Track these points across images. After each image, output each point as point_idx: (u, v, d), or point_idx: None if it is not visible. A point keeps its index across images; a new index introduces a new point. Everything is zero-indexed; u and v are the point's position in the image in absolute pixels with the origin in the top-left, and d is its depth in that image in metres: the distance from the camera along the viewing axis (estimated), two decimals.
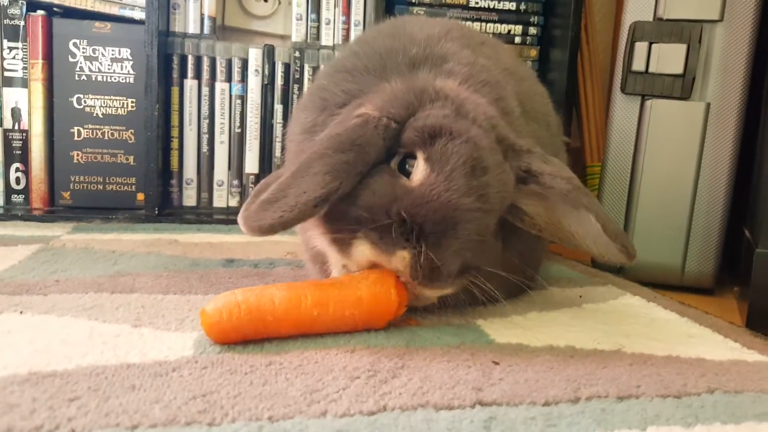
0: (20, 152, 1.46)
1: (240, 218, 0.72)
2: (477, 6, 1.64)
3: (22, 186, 1.47)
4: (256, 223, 0.70)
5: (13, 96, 1.43)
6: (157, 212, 1.44)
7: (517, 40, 1.68)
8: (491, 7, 1.65)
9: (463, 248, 0.70)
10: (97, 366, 0.63)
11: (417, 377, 0.63)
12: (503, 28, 1.66)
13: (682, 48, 1.12)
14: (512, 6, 1.65)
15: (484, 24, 1.65)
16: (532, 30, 1.68)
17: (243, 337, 0.71)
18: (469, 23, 1.64)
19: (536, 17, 1.68)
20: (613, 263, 0.78)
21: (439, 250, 0.69)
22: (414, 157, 0.74)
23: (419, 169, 0.74)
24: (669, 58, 1.13)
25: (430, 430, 0.52)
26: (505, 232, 0.85)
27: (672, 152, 1.14)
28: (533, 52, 1.69)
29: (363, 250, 0.73)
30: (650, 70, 1.15)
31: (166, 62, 1.48)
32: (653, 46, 1.14)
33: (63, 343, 0.68)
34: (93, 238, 1.25)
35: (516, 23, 1.67)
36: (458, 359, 0.69)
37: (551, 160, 0.82)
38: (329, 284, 0.75)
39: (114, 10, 1.44)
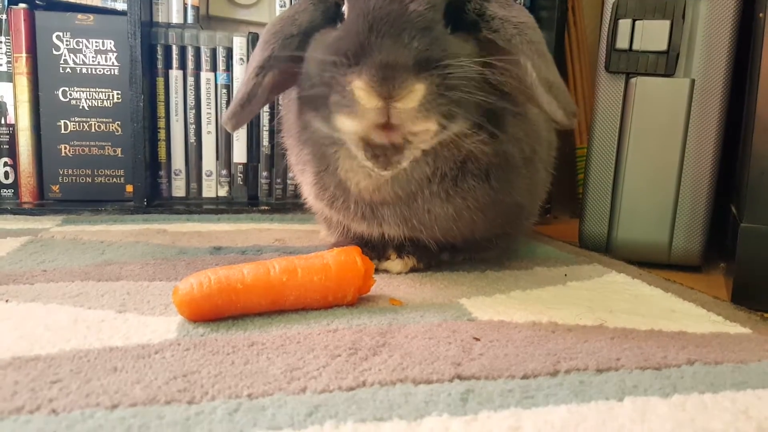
0: (8, 147, 1.45)
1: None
2: None
3: (11, 180, 1.47)
4: (224, 116, 0.84)
5: None
6: (146, 203, 1.44)
7: None
8: None
9: (409, 42, 0.68)
10: (80, 350, 0.63)
11: (397, 354, 0.63)
12: None
13: (665, 24, 1.12)
14: None
15: None
16: None
17: (215, 308, 0.71)
18: None
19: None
20: (558, 123, 0.76)
21: (382, 52, 0.67)
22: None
23: (345, 9, 0.76)
24: (653, 35, 1.13)
25: (407, 404, 0.53)
26: (504, 171, 0.86)
27: (657, 129, 1.14)
28: None
29: (337, 119, 0.74)
30: (634, 47, 1.14)
31: (150, 53, 1.47)
32: (636, 23, 1.14)
33: (47, 329, 0.69)
34: (82, 229, 1.25)
35: None
36: (439, 336, 0.69)
37: (512, 5, 0.81)
38: (297, 257, 0.78)
39: (96, 2, 1.43)
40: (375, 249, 0.99)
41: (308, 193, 0.96)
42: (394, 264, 0.98)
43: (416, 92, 0.68)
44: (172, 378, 0.56)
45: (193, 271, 0.95)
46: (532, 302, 0.83)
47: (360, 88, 0.68)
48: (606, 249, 1.21)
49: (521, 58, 0.75)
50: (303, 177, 0.96)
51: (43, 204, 1.46)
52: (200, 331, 0.70)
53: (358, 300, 0.81)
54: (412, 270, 0.98)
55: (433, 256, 1.00)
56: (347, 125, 0.73)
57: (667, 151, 1.14)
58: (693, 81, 1.12)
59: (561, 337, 0.70)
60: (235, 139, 1.55)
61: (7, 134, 1.45)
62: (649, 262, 1.17)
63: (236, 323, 0.72)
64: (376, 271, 0.98)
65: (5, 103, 1.43)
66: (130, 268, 0.96)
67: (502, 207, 0.91)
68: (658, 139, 1.14)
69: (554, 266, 1.04)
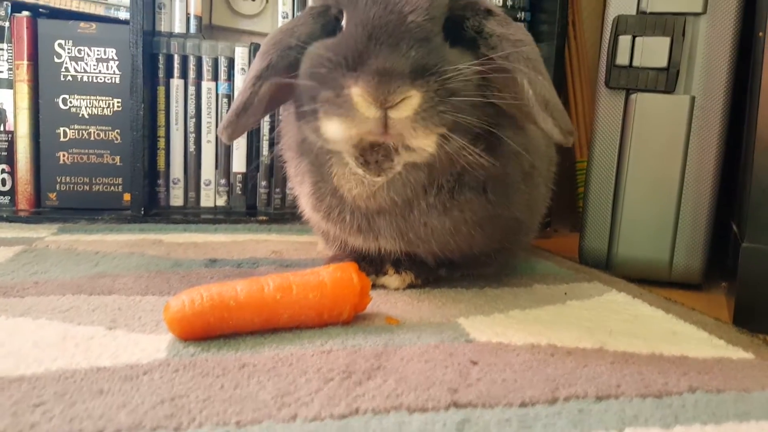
0: (6, 153, 1.44)
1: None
2: None
3: (8, 187, 1.46)
4: (220, 126, 0.83)
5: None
6: (143, 212, 1.43)
7: None
8: None
9: (406, 51, 0.68)
10: (67, 370, 0.62)
11: (392, 378, 0.62)
12: None
13: (665, 41, 1.11)
14: (498, 1, 1.64)
15: None
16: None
17: (207, 326, 0.70)
18: None
19: (523, 13, 1.67)
20: (556, 141, 0.76)
21: (379, 58, 0.67)
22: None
23: (344, 19, 0.76)
24: (653, 52, 1.12)
25: None
26: (502, 186, 0.86)
27: (657, 146, 1.13)
28: None
29: (326, 123, 0.73)
30: (634, 63, 1.13)
31: (151, 62, 1.47)
32: (637, 39, 1.13)
33: (34, 346, 0.67)
34: (77, 239, 1.24)
35: None
36: (436, 359, 0.68)
37: (511, 23, 0.80)
38: (292, 273, 0.77)
39: (99, 11, 1.42)
40: (373, 264, 0.98)
41: (305, 204, 0.95)
42: (392, 280, 0.96)
43: (412, 99, 0.68)
44: (159, 402, 0.55)
45: (187, 284, 0.95)
46: (531, 323, 0.82)
47: (357, 94, 0.68)
48: (606, 266, 1.19)
49: (518, 75, 0.75)
50: (301, 188, 0.95)
51: (40, 212, 1.45)
52: (191, 350, 0.68)
53: (354, 318, 0.79)
54: (410, 286, 0.97)
55: (431, 271, 0.99)
56: (343, 130, 0.73)
57: (667, 168, 1.13)
58: (693, 98, 1.11)
59: (560, 361, 0.68)
60: (234, 148, 1.54)
61: (5, 141, 1.44)
62: (650, 280, 1.16)
63: (228, 342, 0.71)
64: (374, 286, 0.96)
65: (5, 110, 1.43)
66: (124, 281, 0.95)
67: (500, 222, 0.90)
68: (658, 156, 1.13)
69: (554, 284, 1.03)
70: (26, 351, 0.66)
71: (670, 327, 0.82)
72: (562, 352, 0.71)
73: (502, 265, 1.06)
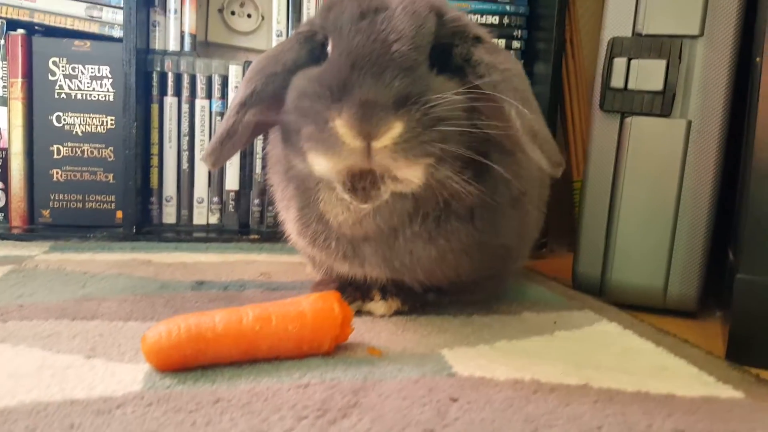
0: (0, 170, 1.44)
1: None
2: None
3: (1, 204, 1.45)
4: (204, 153, 0.82)
5: None
6: (135, 230, 1.42)
7: None
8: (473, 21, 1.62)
9: (390, 81, 0.67)
10: (40, 402, 0.61)
11: (368, 417, 0.61)
12: None
13: (661, 64, 1.10)
14: (495, 20, 1.63)
15: None
16: (516, 44, 1.66)
17: (184, 358, 0.69)
18: None
19: (519, 31, 1.66)
20: (546, 171, 0.75)
21: (362, 89, 0.66)
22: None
23: (329, 46, 0.75)
24: (648, 75, 1.10)
25: None
26: (490, 213, 0.84)
27: (653, 170, 1.11)
28: None
29: (312, 157, 0.73)
30: (629, 86, 1.12)
31: (145, 80, 1.47)
32: (632, 62, 1.12)
33: (10, 377, 0.67)
34: (67, 258, 1.24)
35: (498, 37, 1.65)
36: (415, 395, 0.66)
37: (500, 51, 0.79)
38: (271, 303, 0.76)
39: (94, 29, 1.42)
40: (359, 289, 0.96)
41: (292, 230, 0.94)
42: (378, 306, 0.95)
43: (393, 129, 0.67)
44: None
45: (171, 309, 0.94)
46: (516, 355, 0.80)
47: (341, 125, 0.67)
48: (600, 291, 1.17)
49: (506, 105, 0.74)
50: (287, 214, 0.94)
51: (33, 229, 1.45)
52: (166, 382, 0.67)
53: (335, 348, 0.78)
54: (396, 312, 0.95)
55: (418, 298, 0.97)
56: (328, 162, 0.72)
57: (662, 193, 1.11)
58: (690, 122, 1.09)
59: (542, 399, 0.67)
60: (227, 166, 1.53)
61: (0, 158, 1.44)
62: (644, 306, 1.14)
63: (205, 374, 0.70)
64: (360, 312, 0.95)
65: None
66: (108, 304, 0.94)
67: (488, 249, 0.89)
68: (653, 181, 1.12)
69: (544, 311, 1.01)
70: (1, 382, 0.65)
71: (659, 361, 0.80)
72: (546, 389, 0.69)
73: (492, 291, 1.04)
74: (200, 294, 1.02)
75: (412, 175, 0.72)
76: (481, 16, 1.64)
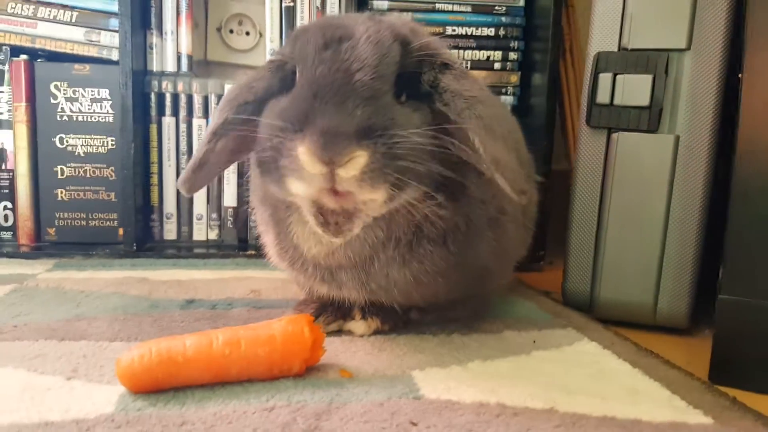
0: (7, 191, 1.49)
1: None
2: (454, 34, 1.62)
3: (10, 223, 1.50)
4: (179, 180, 0.85)
5: (0, 137, 1.48)
6: (136, 247, 1.46)
7: (497, 66, 1.66)
8: (468, 33, 1.63)
9: (352, 110, 0.68)
10: (17, 424, 0.64)
11: None
12: (482, 54, 1.64)
13: (647, 79, 1.09)
14: (491, 32, 1.63)
15: (461, 51, 1.63)
16: (513, 55, 1.66)
17: (155, 382, 0.71)
18: None
19: (516, 42, 1.66)
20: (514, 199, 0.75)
21: (324, 118, 0.67)
22: None
23: (297, 75, 0.76)
24: (634, 90, 1.10)
25: None
26: (465, 235, 0.85)
27: (641, 187, 1.10)
28: (513, 78, 1.67)
29: (283, 184, 0.74)
30: (615, 102, 1.11)
31: (143, 100, 1.50)
32: (618, 77, 1.11)
33: None
34: (68, 276, 1.27)
35: (495, 49, 1.65)
36: (377, 419, 0.67)
37: (466, 78, 0.80)
38: (243, 327, 0.77)
39: (93, 52, 1.47)
40: (341, 309, 0.97)
41: (272, 253, 0.96)
42: (358, 326, 0.96)
43: (358, 159, 0.68)
44: None
45: (157, 329, 0.96)
46: (487, 377, 0.80)
47: (303, 153, 0.68)
48: (589, 307, 1.17)
49: (470, 133, 0.74)
50: (266, 237, 0.96)
51: (40, 247, 1.50)
52: (138, 404, 0.69)
53: (307, 370, 0.79)
54: (376, 332, 0.96)
55: (399, 317, 0.98)
56: (298, 188, 0.73)
57: (651, 210, 1.10)
58: (678, 137, 1.08)
59: (503, 424, 0.67)
60: (225, 183, 1.56)
61: (7, 179, 1.49)
62: (634, 323, 1.13)
63: (176, 396, 0.72)
64: (340, 332, 0.97)
65: (5, 150, 1.48)
66: (98, 324, 0.97)
67: (464, 271, 0.89)
68: (641, 197, 1.11)
69: (526, 329, 1.00)
70: None
71: (632, 384, 0.79)
72: (509, 413, 0.69)
73: (474, 309, 1.05)
74: (188, 313, 1.04)
75: (374, 196, 0.73)
76: (477, 29, 1.64)
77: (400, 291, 0.87)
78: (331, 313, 0.97)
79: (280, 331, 0.76)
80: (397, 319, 0.98)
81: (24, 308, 1.05)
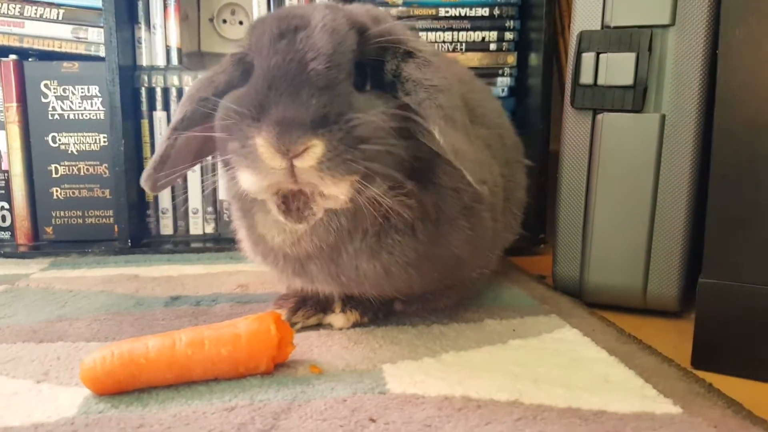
0: (3, 191, 1.52)
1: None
2: (447, 15, 1.59)
3: (8, 223, 1.53)
4: (142, 178, 0.84)
5: None
6: (131, 244, 1.47)
7: (493, 47, 1.62)
8: (462, 14, 1.59)
9: (307, 99, 0.67)
10: None
11: None
12: (477, 35, 1.61)
13: (630, 57, 1.05)
14: (485, 12, 1.59)
15: (456, 33, 1.59)
16: (509, 35, 1.61)
17: (118, 384, 0.72)
18: (440, 33, 1.60)
19: (512, 21, 1.61)
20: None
21: (279, 108, 0.67)
22: None
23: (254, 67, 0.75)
24: (618, 69, 1.06)
25: None
26: (435, 225, 0.84)
27: (627, 168, 1.07)
28: (510, 59, 1.63)
29: (240, 175, 0.73)
30: (599, 82, 1.07)
31: (134, 96, 1.51)
32: (601, 56, 1.07)
33: None
34: (60, 276, 1.29)
35: (490, 29, 1.61)
36: (336, 416, 0.67)
37: (429, 67, 0.78)
38: (208, 326, 0.77)
39: (80, 49, 1.47)
40: (320, 302, 0.97)
41: (246, 247, 0.96)
42: (337, 319, 0.95)
43: (315, 148, 0.67)
44: None
45: (137, 328, 0.97)
46: (458, 368, 0.79)
47: (260, 144, 0.68)
48: (579, 292, 1.14)
49: (430, 123, 0.73)
50: (240, 231, 0.96)
51: (38, 246, 1.52)
52: (101, 407, 0.70)
53: (275, 367, 0.79)
54: (355, 325, 0.96)
55: (379, 309, 0.97)
56: (250, 183, 0.72)
57: (638, 191, 1.07)
58: (663, 116, 1.04)
59: (464, 418, 0.66)
60: (220, 176, 1.56)
61: (3, 179, 1.51)
62: (625, 307, 1.10)
63: (140, 397, 0.72)
64: (320, 325, 0.96)
65: (0, 151, 1.50)
66: (78, 324, 0.98)
67: (437, 261, 0.87)
68: (628, 179, 1.07)
69: (508, 318, 0.99)
70: None
71: (605, 373, 0.77)
72: (473, 406, 0.68)
73: (456, 298, 1.03)
74: (170, 311, 1.05)
75: (337, 191, 0.72)
76: (471, 9, 1.60)
77: (372, 283, 0.86)
78: (311, 306, 0.97)
79: (245, 330, 0.76)
80: (378, 311, 0.97)
81: (9, 310, 1.06)
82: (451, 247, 0.88)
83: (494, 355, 0.84)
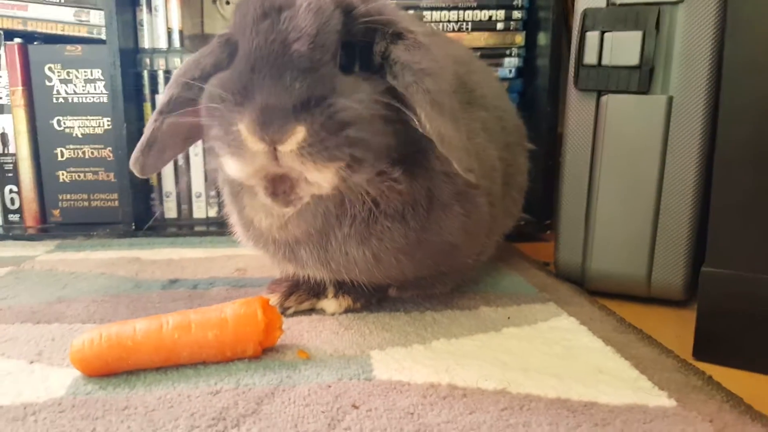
0: (11, 174, 1.53)
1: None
2: None
3: (17, 206, 1.55)
4: (131, 161, 0.83)
5: (1, 122, 1.51)
6: (135, 227, 1.48)
7: (500, 26, 1.58)
8: None
9: (290, 83, 0.65)
10: None
11: (256, 428, 0.61)
12: (483, 14, 1.57)
13: (636, 36, 1.01)
14: None
15: (461, 12, 1.56)
16: (516, 14, 1.58)
17: (105, 365, 0.72)
18: (445, 12, 1.56)
19: (521, 0, 1.57)
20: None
21: (263, 92, 0.65)
22: None
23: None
24: (623, 48, 1.02)
25: None
26: (427, 210, 0.82)
27: (632, 152, 1.04)
28: (519, 38, 1.59)
29: (224, 160, 0.72)
30: (603, 62, 1.04)
31: (136, 79, 1.50)
32: (605, 35, 1.03)
33: None
34: (64, 258, 1.30)
35: (497, 8, 1.57)
36: (319, 402, 0.66)
37: (418, 49, 0.75)
38: (195, 310, 0.77)
39: (83, 32, 1.47)
40: (314, 287, 0.96)
41: (238, 232, 0.95)
42: (329, 304, 0.95)
43: (297, 134, 0.66)
44: None
45: (132, 310, 0.97)
46: (447, 356, 0.78)
47: (244, 130, 0.66)
48: (582, 280, 1.12)
49: (416, 107, 0.70)
50: (232, 217, 0.95)
51: (46, 228, 1.54)
52: (89, 388, 0.70)
53: (263, 352, 0.78)
54: (348, 310, 0.95)
55: (373, 295, 0.96)
56: (234, 167, 0.71)
57: (643, 176, 1.03)
58: (671, 98, 1.00)
59: (448, 406, 0.65)
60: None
61: (11, 163, 1.53)
62: (629, 295, 1.08)
63: (128, 379, 0.72)
64: (313, 310, 0.96)
65: (7, 134, 1.51)
66: (76, 306, 0.98)
67: (429, 247, 0.86)
68: (633, 163, 1.04)
69: (504, 306, 0.97)
70: None
71: (599, 363, 0.75)
72: (458, 395, 0.67)
73: (451, 284, 1.02)
74: (167, 293, 1.05)
75: (321, 179, 0.70)
76: None
77: (362, 270, 0.85)
78: (304, 291, 0.96)
79: (232, 314, 0.75)
80: (371, 297, 0.96)
81: (11, 291, 1.08)
82: (444, 233, 0.86)
83: (486, 343, 0.82)
